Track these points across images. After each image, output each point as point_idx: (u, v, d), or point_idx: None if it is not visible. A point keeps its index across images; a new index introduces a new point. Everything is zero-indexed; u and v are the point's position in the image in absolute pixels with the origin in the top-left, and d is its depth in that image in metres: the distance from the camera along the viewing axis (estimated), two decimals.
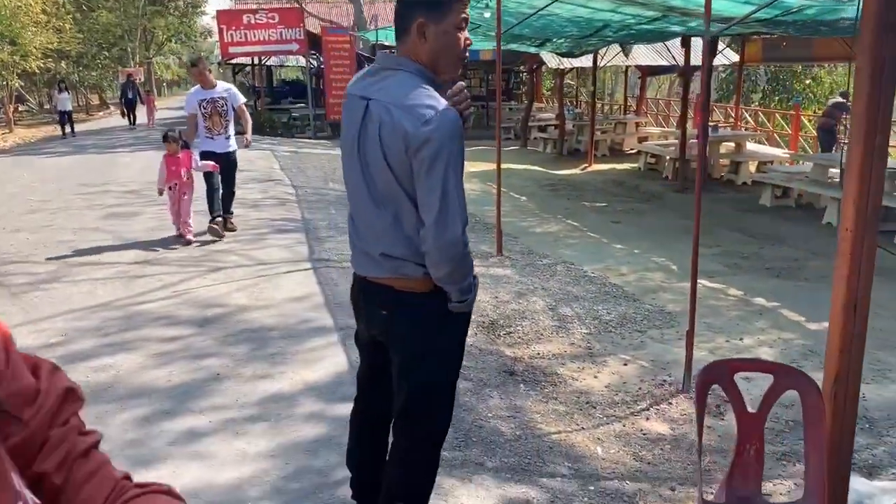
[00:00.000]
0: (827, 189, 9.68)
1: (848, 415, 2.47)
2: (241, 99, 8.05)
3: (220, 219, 8.06)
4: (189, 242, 7.79)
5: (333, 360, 4.64)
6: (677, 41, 13.27)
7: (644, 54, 17.87)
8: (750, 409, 2.41)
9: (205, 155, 7.93)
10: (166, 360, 4.66)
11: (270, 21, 20.99)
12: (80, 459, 0.69)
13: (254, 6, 24.64)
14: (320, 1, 29.90)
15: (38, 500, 0.62)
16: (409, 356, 2.32)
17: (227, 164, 8.06)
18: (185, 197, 7.87)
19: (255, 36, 20.96)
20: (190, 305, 5.75)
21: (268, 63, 27.42)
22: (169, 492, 0.76)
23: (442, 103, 2.09)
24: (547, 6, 7.83)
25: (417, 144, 2.04)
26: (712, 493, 2.64)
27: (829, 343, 2.51)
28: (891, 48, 2.26)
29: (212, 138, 7.93)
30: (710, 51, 6.04)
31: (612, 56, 16.73)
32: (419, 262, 2.19)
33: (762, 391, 2.47)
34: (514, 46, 13.86)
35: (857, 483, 2.85)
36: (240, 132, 8.18)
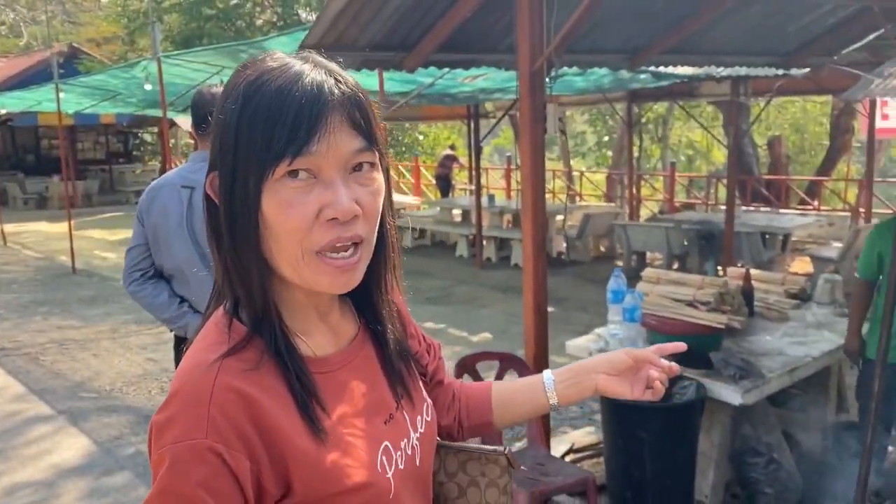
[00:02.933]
0: (455, 228, 11.66)
1: None
2: None
3: None
4: None
5: (72, 441, 4.59)
6: None
7: None
8: None
9: None
10: None
11: None
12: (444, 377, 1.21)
13: None
14: None
15: (431, 401, 1.08)
16: None
17: None
18: None
19: None
20: None
21: None
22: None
23: None
24: (206, 79, 8.32)
25: None
26: None
27: (526, 335, 3.62)
28: (540, 135, 3.45)
29: None
30: None
31: None
32: None
33: (493, 374, 3.46)
34: (150, 111, 13.86)
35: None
36: None
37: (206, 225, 0.90)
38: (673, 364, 1.11)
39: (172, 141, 26.00)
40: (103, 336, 7.26)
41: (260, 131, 0.80)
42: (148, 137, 26.04)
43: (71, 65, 17.47)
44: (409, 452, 0.98)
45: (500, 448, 1.14)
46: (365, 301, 1.02)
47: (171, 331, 2.85)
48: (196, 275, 2.68)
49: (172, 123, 17.87)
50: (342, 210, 0.82)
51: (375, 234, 0.90)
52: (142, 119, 19.10)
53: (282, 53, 0.87)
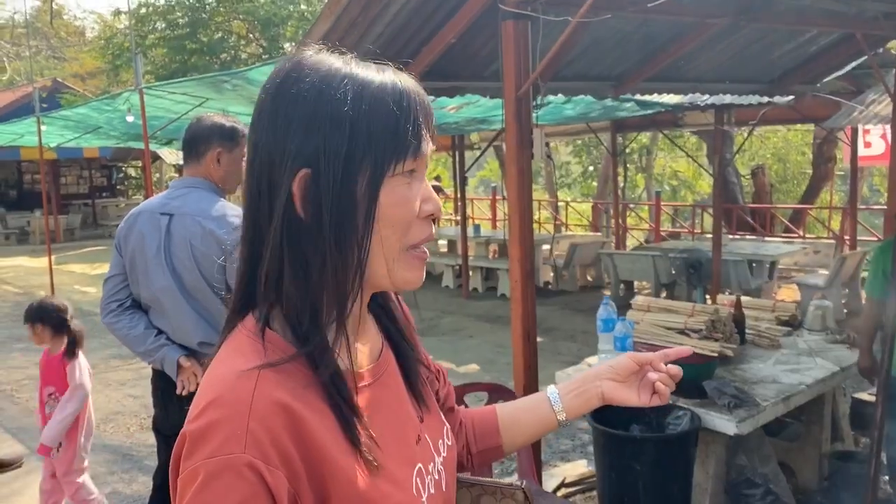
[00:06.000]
0: (440, 258, 11.59)
1: None
2: None
3: None
4: None
5: None
6: None
7: None
8: None
9: None
10: None
11: None
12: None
13: None
14: None
15: (447, 422, 1.04)
16: None
17: None
18: None
19: None
20: None
21: None
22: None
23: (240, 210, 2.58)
24: (189, 111, 8.27)
25: (233, 248, 2.49)
26: None
27: (515, 363, 3.53)
28: (526, 160, 3.40)
29: None
30: None
31: None
32: None
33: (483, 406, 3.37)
34: (133, 144, 13.78)
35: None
36: None
37: (283, 224, 0.80)
38: (678, 367, 1.08)
39: (157, 175, 25.99)
40: None
41: (382, 127, 0.80)
42: (132, 171, 25.94)
43: (54, 99, 17.43)
44: (437, 477, 0.94)
45: (518, 482, 1.11)
46: (385, 313, 1.01)
47: (149, 364, 2.73)
48: (174, 305, 2.58)
49: (157, 156, 17.84)
50: (439, 206, 0.87)
51: None
52: (126, 152, 19.02)
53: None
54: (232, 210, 2.59)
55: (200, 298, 2.57)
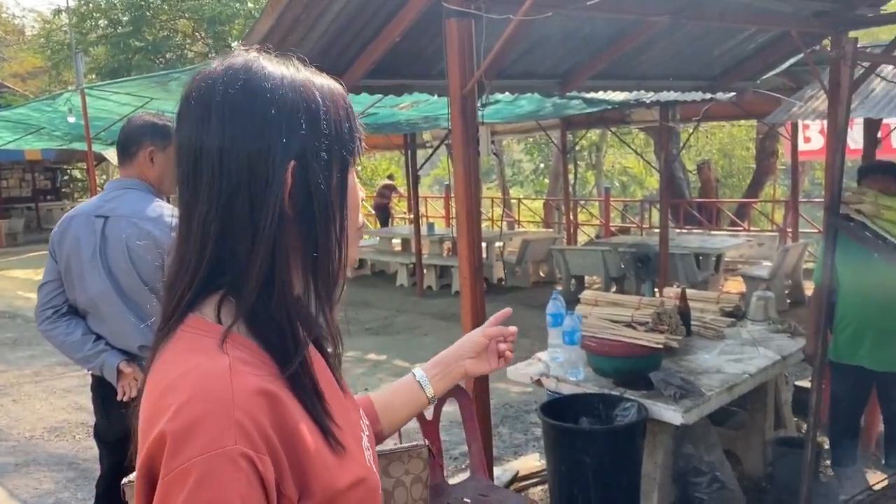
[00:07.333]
0: (395, 257, 11.56)
1: (487, 410, 3.52)
2: None
3: None
4: None
5: None
6: None
7: None
8: (428, 417, 3.27)
9: None
10: None
11: None
12: None
13: None
14: None
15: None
16: None
17: None
18: None
19: None
20: None
21: None
22: None
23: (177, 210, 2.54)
24: (133, 112, 8.10)
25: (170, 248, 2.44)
26: None
27: None
28: (473, 158, 3.41)
29: None
30: None
31: None
32: None
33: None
34: (76, 145, 13.42)
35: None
36: None
37: (276, 217, 0.83)
38: (512, 328, 1.27)
39: (104, 176, 25.35)
40: (25, 380, 6.88)
41: (345, 122, 0.89)
42: (77, 173, 25.23)
43: None
44: (369, 453, 0.97)
45: (420, 442, 1.16)
46: None
47: (88, 371, 2.66)
48: (112, 309, 2.52)
49: (102, 158, 17.39)
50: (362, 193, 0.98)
51: None
52: (70, 154, 18.52)
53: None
54: (169, 210, 2.55)
55: (139, 301, 2.52)
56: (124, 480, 1.46)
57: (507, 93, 5.49)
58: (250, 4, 17.14)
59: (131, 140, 2.60)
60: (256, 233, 0.82)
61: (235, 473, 0.71)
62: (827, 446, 3.88)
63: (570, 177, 13.65)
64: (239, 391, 0.75)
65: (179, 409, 0.74)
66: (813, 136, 10.75)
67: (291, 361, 0.83)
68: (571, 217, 13.22)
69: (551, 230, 14.48)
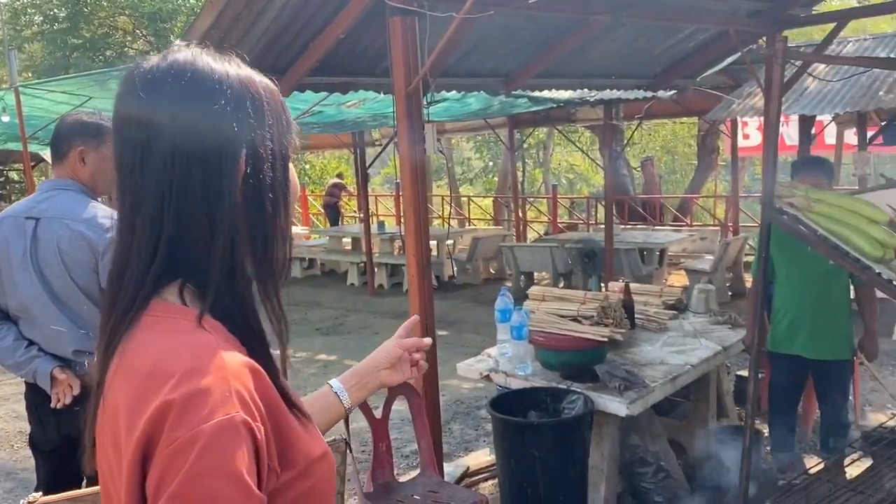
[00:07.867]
0: (345, 256, 11.49)
1: (436, 407, 3.53)
2: None
3: None
4: None
5: None
6: None
7: None
8: (377, 416, 3.27)
9: None
10: None
11: None
12: None
13: None
14: None
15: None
16: None
17: None
18: None
19: None
20: None
21: None
22: None
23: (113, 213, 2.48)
24: (71, 110, 7.87)
25: (106, 249, 2.37)
26: (363, 485, 3.41)
27: None
28: (419, 156, 3.42)
29: None
30: None
31: None
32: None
33: (382, 401, 3.36)
34: (11, 145, 12.96)
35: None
36: None
37: (233, 203, 0.86)
38: (426, 339, 1.32)
39: (43, 178, 24.54)
40: None
41: (283, 115, 0.93)
42: (14, 175, 24.37)
43: None
44: None
45: (338, 437, 1.17)
46: None
47: (21, 378, 2.58)
48: (44, 313, 2.45)
49: (41, 159, 16.85)
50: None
51: None
52: (6, 155, 17.83)
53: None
54: (102, 211, 2.48)
55: (72, 305, 2.45)
56: (85, 490, 1.44)
57: (453, 91, 5.51)
58: (192, 0, 16.81)
59: (61, 140, 2.53)
60: (214, 220, 0.84)
61: (238, 439, 0.74)
62: (766, 433, 4.00)
63: (519, 174, 13.77)
64: (232, 363, 0.79)
65: (181, 380, 0.75)
66: (752, 133, 11.06)
67: (255, 340, 0.87)
68: (520, 214, 13.33)
69: (501, 227, 14.58)
